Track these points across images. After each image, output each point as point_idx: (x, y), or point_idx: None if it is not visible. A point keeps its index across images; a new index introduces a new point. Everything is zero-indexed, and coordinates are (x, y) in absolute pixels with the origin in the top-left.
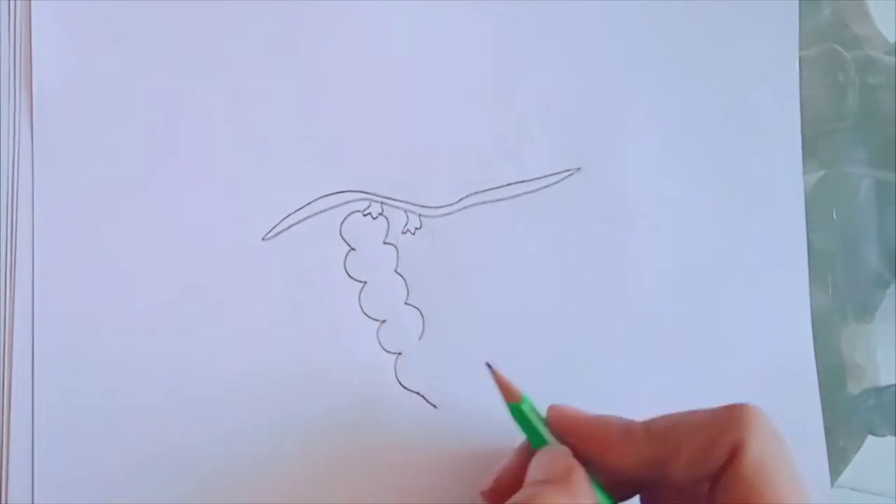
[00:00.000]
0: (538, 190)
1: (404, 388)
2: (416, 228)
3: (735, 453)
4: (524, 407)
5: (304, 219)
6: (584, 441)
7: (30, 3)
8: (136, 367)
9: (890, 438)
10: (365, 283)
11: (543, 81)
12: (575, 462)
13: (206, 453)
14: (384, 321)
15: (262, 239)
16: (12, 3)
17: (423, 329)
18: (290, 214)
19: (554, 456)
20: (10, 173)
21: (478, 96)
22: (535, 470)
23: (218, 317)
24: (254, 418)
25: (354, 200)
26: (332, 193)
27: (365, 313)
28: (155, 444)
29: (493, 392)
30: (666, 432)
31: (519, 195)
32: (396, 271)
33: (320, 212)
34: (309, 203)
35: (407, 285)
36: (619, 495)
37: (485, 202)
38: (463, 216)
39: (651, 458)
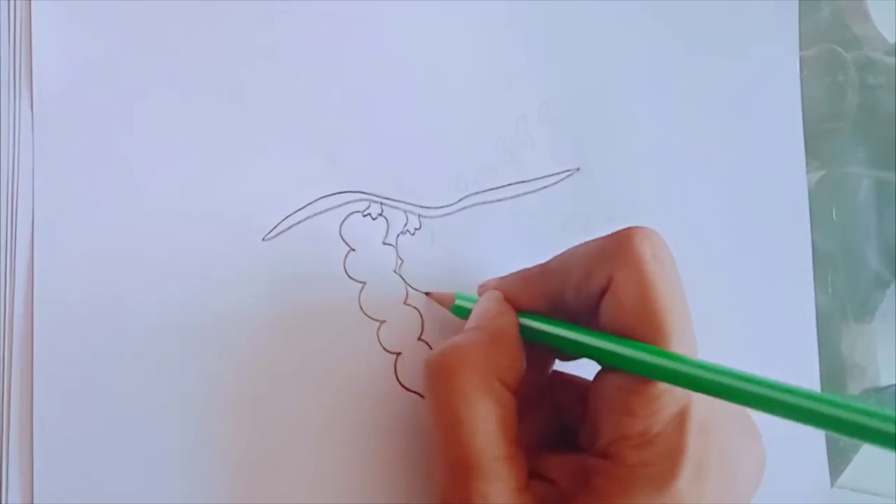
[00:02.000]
0: (538, 190)
1: (404, 388)
2: (416, 229)
3: (609, 285)
4: (458, 302)
5: (304, 219)
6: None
7: (30, 3)
8: (136, 368)
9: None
10: (365, 283)
11: (543, 82)
12: (503, 305)
13: (205, 453)
14: (384, 321)
15: (263, 239)
16: (12, 3)
17: (423, 329)
18: (289, 215)
19: (484, 302)
20: (10, 173)
21: (478, 97)
22: (470, 321)
23: (218, 317)
24: (253, 419)
25: (354, 201)
26: (332, 194)
27: (365, 313)
28: (154, 444)
29: None
30: (557, 267)
31: (519, 195)
32: (396, 272)
33: (320, 212)
34: (309, 203)
35: (407, 285)
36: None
37: (484, 202)
38: (462, 216)
39: (550, 294)
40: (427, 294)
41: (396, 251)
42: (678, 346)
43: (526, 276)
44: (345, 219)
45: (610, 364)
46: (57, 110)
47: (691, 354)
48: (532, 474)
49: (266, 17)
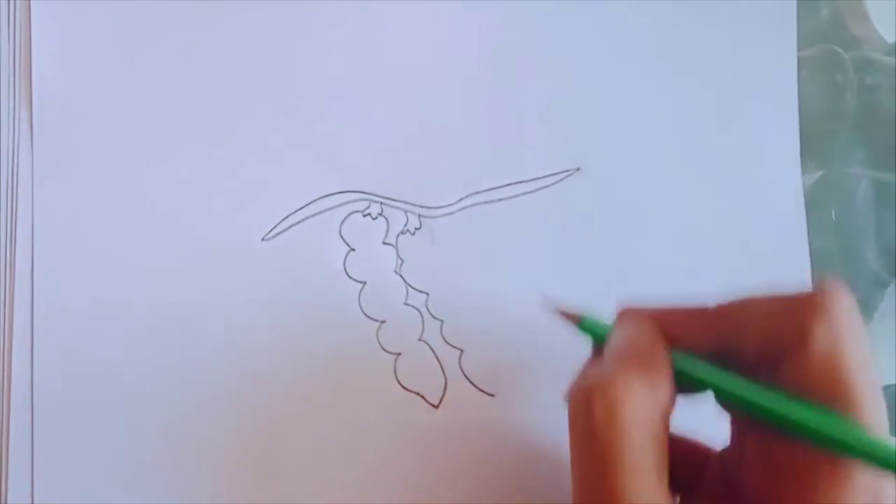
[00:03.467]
0: (537, 190)
1: (404, 388)
2: (416, 229)
3: (802, 339)
4: (588, 321)
5: (304, 219)
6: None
7: (29, 3)
8: (136, 368)
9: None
10: (365, 283)
11: (543, 83)
12: (657, 338)
13: (205, 454)
14: (384, 321)
15: (262, 239)
16: (12, 3)
17: (423, 329)
18: (289, 215)
19: (635, 333)
20: (10, 173)
21: (477, 97)
22: (611, 347)
23: (217, 317)
24: (253, 418)
25: (354, 201)
26: (332, 194)
27: (365, 314)
28: (154, 444)
29: (490, 392)
30: (737, 313)
31: (518, 195)
32: (396, 272)
33: (320, 212)
34: (308, 203)
35: (406, 286)
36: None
37: (484, 202)
38: (462, 217)
39: (722, 339)
40: (557, 309)
41: (396, 251)
42: (871, 416)
43: (691, 312)
44: (345, 219)
45: (797, 434)
46: (57, 110)
47: (881, 427)
48: None
49: (266, 17)
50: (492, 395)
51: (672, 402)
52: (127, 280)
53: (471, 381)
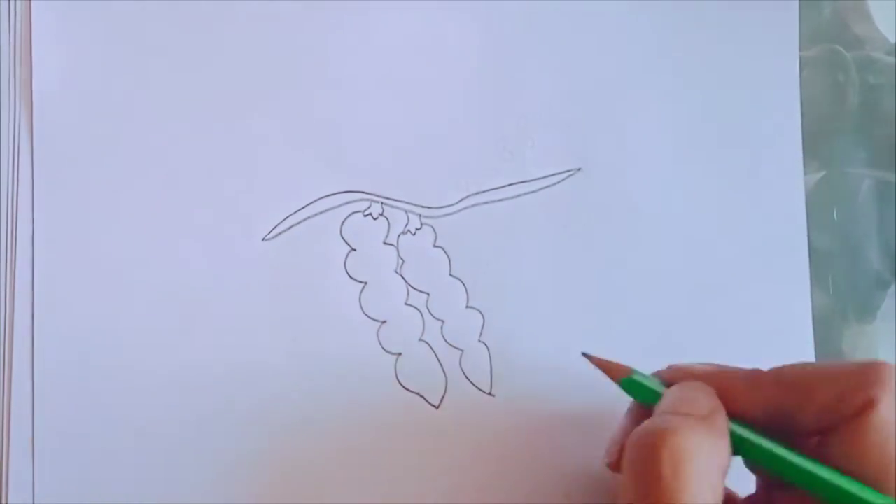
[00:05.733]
0: (539, 190)
1: (404, 388)
2: (417, 229)
3: (865, 408)
4: (636, 377)
5: (305, 219)
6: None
7: (30, 4)
8: (136, 367)
9: None
10: (365, 283)
11: (544, 82)
12: (717, 401)
13: (204, 453)
14: (384, 321)
15: (263, 239)
16: (12, 3)
17: (424, 330)
18: (290, 215)
19: (695, 391)
20: (9, 173)
21: (479, 97)
22: (671, 401)
23: (217, 317)
24: (252, 418)
25: (355, 201)
26: (333, 194)
27: (365, 314)
28: (154, 444)
29: (491, 393)
30: (797, 380)
31: (519, 196)
32: (397, 272)
33: (321, 212)
34: (309, 203)
35: (407, 286)
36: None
37: (485, 203)
38: (463, 217)
39: (780, 406)
40: (590, 358)
41: (397, 251)
42: None
43: (751, 379)
44: (345, 219)
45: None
46: (56, 110)
47: None
48: None
49: (266, 17)
50: (492, 396)
51: (729, 460)
52: (127, 279)
53: (471, 382)
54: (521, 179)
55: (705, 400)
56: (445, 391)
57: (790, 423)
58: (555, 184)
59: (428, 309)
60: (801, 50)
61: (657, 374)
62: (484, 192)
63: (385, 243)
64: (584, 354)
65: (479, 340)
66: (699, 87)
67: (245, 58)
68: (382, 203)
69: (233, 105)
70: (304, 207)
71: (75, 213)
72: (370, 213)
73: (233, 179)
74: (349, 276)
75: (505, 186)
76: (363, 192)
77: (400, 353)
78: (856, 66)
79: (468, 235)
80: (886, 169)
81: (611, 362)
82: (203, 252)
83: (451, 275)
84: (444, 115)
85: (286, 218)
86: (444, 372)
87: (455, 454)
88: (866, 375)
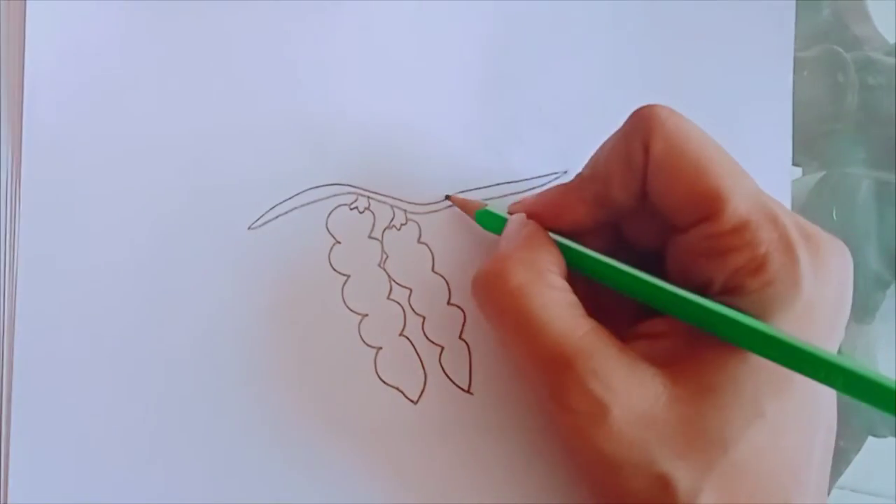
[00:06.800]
0: (524, 191)
1: (384, 382)
2: (402, 224)
3: (647, 153)
4: (489, 209)
5: (291, 210)
6: (542, 217)
7: (24, 2)
8: (123, 359)
9: (890, 439)
10: (349, 276)
11: (535, 82)
12: (528, 221)
13: (190, 449)
14: (366, 315)
15: (249, 228)
16: (7, 2)
17: (405, 325)
18: (276, 205)
19: (510, 223)
20: (9, 172)
21: (468, 96)
22: (501, 240)
23: (200, 304)
24: (234, 409)
25: (342, 194)
26: (320, 186)
27: (347, 307)
28: (135, 437)
29: (469, 390)
30: (592, 169)
31: (505, 196)
32: (380, 266)
33: (307, 203)
34: (296, 194)
35: (390, 280)
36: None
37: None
38: (449, 214)
39: (594, 197)
40: (447, 197)
41: (382, 246)
42: (729, 179)
43: (564, 190)
44: (331, 211)
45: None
46: (47, 102)
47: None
48: (636, 337)
49: (258, 12)
50: (470, 394)
51: (558, 257)
52: (114, 269)
53: (450, 379)
54: (508, 180)
55: (518, 224)
56: (424, 387)
57: (612, 208)
58: (541, 185)
59: (410, 304)
60: (800, 50)
61: (508, 209)
62: (470, 190)
63: (370, 237)
64: (447, 196)
65: (460, 338)
66: (688, 89)
67: (235, 51)
68: (369, 197)
69: (223, 96)
70: (290, 198)
71: (63, 202)
72: (356, 207)
73: (221, 168)
74: (333, 268)
75: (491, 186)
76: (350, 186)
77: (380, 347)
78: (855, 67)
79: (453, 233)
80: (886, 169)
81: (467, 199)
82: (188, 239)
83: (434, 271)
84: (433, 114)
85: (272, 208)
86: (423, 368)
87: (431, 449)
88: (631, 130)
